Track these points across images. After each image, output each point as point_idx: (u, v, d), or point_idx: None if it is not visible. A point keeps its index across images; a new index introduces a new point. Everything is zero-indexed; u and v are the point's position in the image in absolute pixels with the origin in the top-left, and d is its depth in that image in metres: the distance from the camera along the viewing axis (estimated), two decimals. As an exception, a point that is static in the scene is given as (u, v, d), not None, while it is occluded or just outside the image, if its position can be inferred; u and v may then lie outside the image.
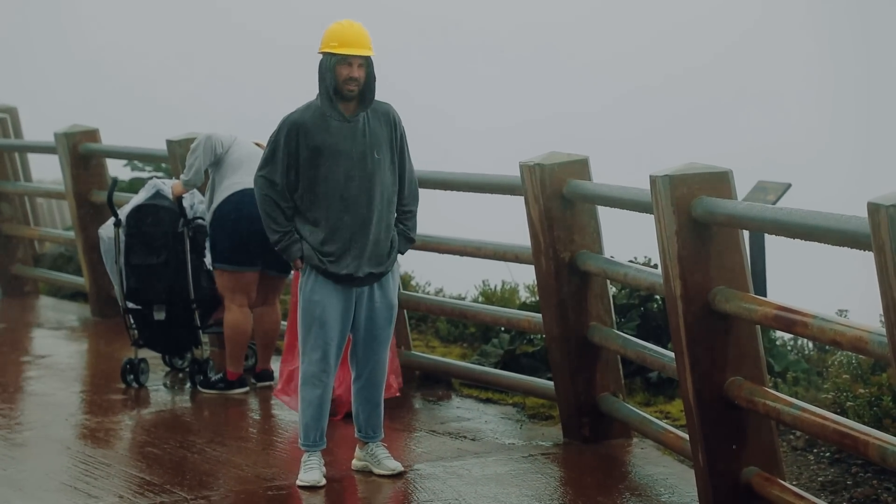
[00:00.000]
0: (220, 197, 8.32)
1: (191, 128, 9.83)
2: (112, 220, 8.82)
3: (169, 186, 8.65)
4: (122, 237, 8.62)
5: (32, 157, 13.96)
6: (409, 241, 6.64)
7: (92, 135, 11.29)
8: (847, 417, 6.18)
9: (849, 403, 6.61)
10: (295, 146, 6.43)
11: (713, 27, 35.13)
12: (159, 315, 8.62)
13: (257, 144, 8.49)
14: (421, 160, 6.93)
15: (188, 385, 8.72)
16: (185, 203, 8.60)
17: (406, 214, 6.61)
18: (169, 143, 9.91)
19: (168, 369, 9.09)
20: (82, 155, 11.22)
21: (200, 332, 8.72)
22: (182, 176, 8.45)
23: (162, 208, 8.58)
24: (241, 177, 8.30)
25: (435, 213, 8.69)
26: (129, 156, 11.85)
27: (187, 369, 8.87)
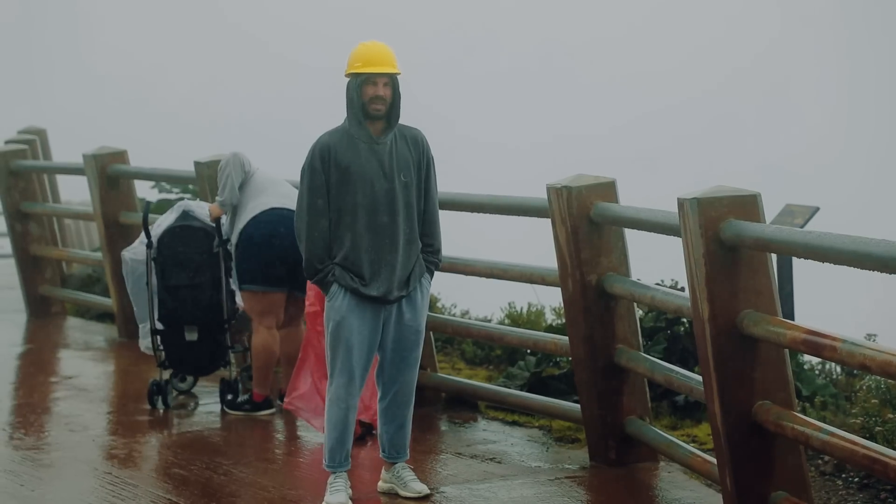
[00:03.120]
0: (245, 218, 8.33)
1: (215, 141, 9.86)
2: (137, 241, 8.87)
3: (199, 207, 8.70)
4: (155, 259, 8.64)
5: (61, 178, 14.04)
6: (434, 270, 6.64)
7: (120, 156, 11.35)
8: (876, 442, 6.15)
9: (878, 428, 6.57)
10: (326, 168, 6.45)
11: (729, 48, 35.17)
12: (191, 336, 8.65)
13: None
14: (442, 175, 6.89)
15: (212, 406, 8.74)
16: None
17: (428, 249, 6.60)
18: (197, 164, 9.95)
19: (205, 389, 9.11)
20: (110, 176, 11.27)
21: (230, 352, 8.76)
22: (217, 196, 8.49)
23: (197, 229, 8.63)
24: (267, 198, 8.32)
25: (461, 235, 8.71)
26: (157, 177, 11.91)
27: (190, 391, 8.94)
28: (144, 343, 8.95)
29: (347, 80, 6.47)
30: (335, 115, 6.62)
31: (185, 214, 8.72)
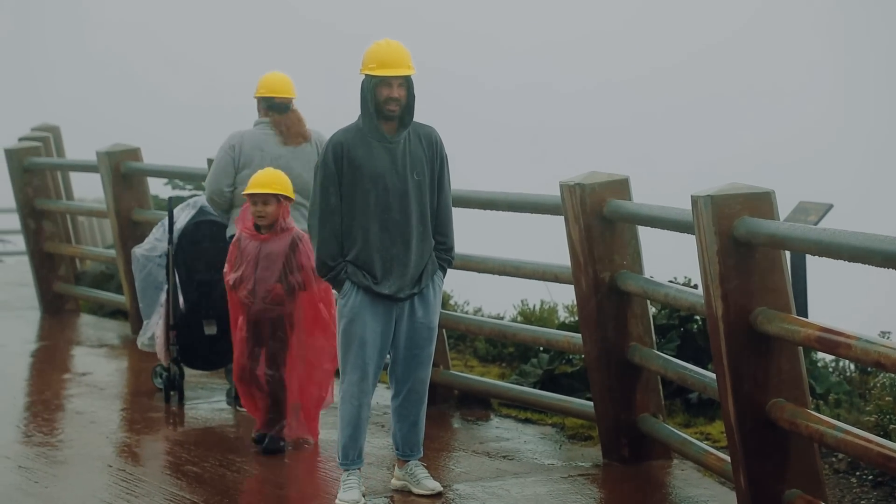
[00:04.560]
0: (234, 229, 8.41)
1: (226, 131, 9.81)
2: (151, 237, 8.88)
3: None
4: (176, 255, 8.64)
5: (74, 176, 14.07)
6: (447, 268, 6.64)
7: (134, 153, 11.37)
8: (890, 440, 6.13)
9: (892, 426, 6.56)
10: (339, 166, 6.45)
11: (712, 18, 35.14)
12: (210, 330, 8.67)
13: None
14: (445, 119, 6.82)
15: (224, 402, 8.75)
16: None
17: (441, 246, 6.59)
18: (210, 161, 9.95)
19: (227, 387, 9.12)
20: (124, 174, 11.29)
21: None
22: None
23: (217, 223, 8.66)
24: None
25: (474, 232, 8.70)
26: (171, 174, 11.93)
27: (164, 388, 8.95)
28: (141, 340, 8.95)
29: (362, 78, 6.47)
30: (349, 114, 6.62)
31: (202, 210, 8.75)
